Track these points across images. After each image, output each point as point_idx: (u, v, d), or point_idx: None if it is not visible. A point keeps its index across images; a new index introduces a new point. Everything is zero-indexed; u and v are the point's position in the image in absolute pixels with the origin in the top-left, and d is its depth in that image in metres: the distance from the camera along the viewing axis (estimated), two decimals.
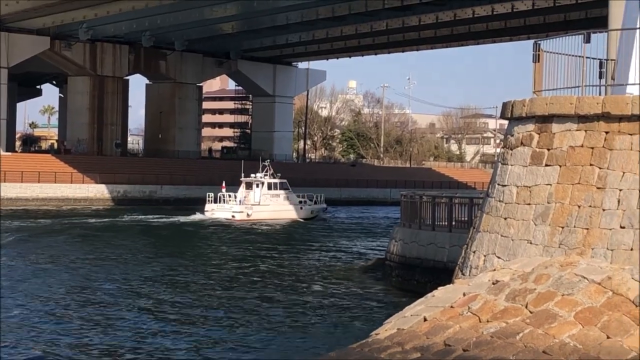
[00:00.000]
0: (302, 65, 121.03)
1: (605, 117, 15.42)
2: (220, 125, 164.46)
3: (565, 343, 12.35)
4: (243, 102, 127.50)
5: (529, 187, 16.30)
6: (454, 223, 30.36)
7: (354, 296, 30.17)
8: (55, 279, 33.17)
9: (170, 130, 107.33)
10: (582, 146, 15.68)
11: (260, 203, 69.71)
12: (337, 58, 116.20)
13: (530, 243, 15.84)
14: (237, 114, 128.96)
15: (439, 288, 15.58)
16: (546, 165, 16.14)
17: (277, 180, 71.83)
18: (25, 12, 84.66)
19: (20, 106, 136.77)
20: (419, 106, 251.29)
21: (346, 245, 50.52)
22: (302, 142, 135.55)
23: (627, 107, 15.18)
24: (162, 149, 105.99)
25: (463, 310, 13.90)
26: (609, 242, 14.80)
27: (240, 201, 69.29)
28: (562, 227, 15.44)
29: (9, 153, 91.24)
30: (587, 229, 15.10)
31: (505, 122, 18.31)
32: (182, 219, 66.93)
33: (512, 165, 16.86)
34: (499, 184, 17.12)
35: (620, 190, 15.01)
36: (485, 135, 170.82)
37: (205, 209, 68.98)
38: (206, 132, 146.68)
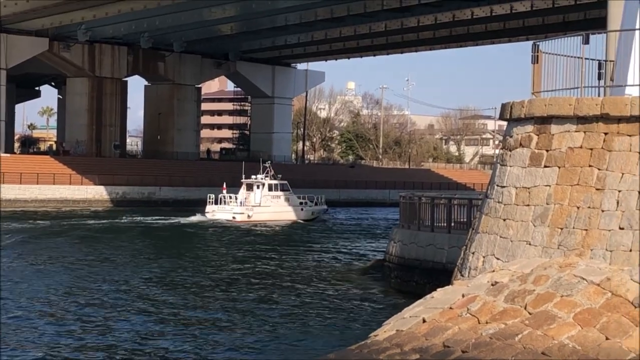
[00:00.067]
0: (301, 66, 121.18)
1: (604, 118, 15.43)
2: (219, 126, 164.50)
3: (564, 344, 12.35)
4: (242, 103, 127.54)
5: (528, 188, 16.30)
6: (453, 224, 30.35)
7: (353, 297, 30.16)
8: (55, 280, 33.15)
9: (169, 132, 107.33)
10: (581, 147, 15.68)
11: (261, 204, 69.73)
12: (336, 59, 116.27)
13: (529, 244, 15.84)
14: (236, 115, 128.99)
15: (438, 289, 15.59)
16: (545, 166, 16.14)
17: (277, 182, 71.86)
18: (24, 14, 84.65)
19: (19, 107, 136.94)
20: (418, 107, 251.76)
21: (345, 247, 50.52)
22: (301, 144, 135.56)
23: (626, 108, 15.18)
24: (160, 150, 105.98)
25: (462, 311, 13.90)
26: (608, 243, 14.80)
27: (241, 202, 69.31)
28: (561, 228, 15.44)
29: (8, 154, 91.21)
30: (586, 230, 15.10)
31: (504, 123, 18.31)
32: (183, 220, 66.94)
33: (511, 166, 16.86)
34: (497, 185, 17.12)
35: (619, 191, 15.01)
36: (484, 136, 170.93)
37: (206, 210, 68.98)
38: (205, 133, 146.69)
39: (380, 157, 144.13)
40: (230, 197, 69.54)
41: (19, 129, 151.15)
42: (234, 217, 67.53)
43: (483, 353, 12.44)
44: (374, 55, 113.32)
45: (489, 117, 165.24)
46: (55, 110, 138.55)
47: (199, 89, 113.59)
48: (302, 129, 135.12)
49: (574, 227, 15.28)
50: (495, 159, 19.94)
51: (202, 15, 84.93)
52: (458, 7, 79.47)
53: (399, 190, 61.87)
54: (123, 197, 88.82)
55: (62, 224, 62.06)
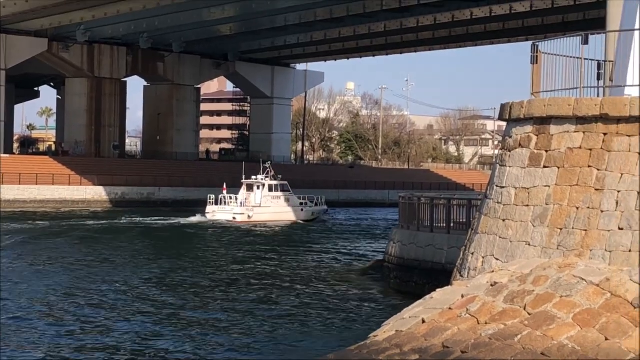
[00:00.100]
0: (300, 66, 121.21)
1: (604, 118, 15.43)
2: (219, 127, 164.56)
3: (564, 345, 12.35)
4: (241, 103, 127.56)
5: (527, 188, 16.30)
6: (452, 225, 30.35)
7: (353, 298, 30.16)
8: (54, 280, 33.14)
9: (168, 132, 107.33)
10: (580, 148, 15.68)
11: (261, 205, 69.75)
12: (335, 60, 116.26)
13: (529, 245, 15.84)
14: (235, 115, 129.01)
15: (438, 290, 15.59)
16: (544, 166, 16.14)
17: (278, 182, 71.88)
18: (23, 14, 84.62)
19: (18, 108, 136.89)
20: (417, 108, 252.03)
21: (345, 247, 50.52)
22: (300, 144, 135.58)
23: (625, 109, 15.19)
24: (160, 150, 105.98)
25: (461, 312, 13.90)
26: (608, 244, 14.80)
27: (241, 203, 69.34)
28: (561, 229, 15.44)
29: (7, 155, 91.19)
30: (586, 230, 15.10)
31: (504, 123, 18.31)
32: (183, 220, 66.97)
33: (510, 166, 16.86)
34: (497, 186, 17.12)
35: (619, 191, 15.01)
36: (483, 136, 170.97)
37: (207, 211, 69.00)
38: (204, 133, 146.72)
39: (380, 157, 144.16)
40: (231, 198, 69.57)
41: (18, 130, 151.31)
42: (234, 218, 67.55)
43: (482, 353, 12.45)
44: (374, 56, 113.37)
45: (488, 118, 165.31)
46: (55, 110, 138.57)
47: (198, 90, 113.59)
48: (301, 130, 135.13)
49: (573, 228, 15.28)
50: (494, 160, 19.95)
51: (201, 15, 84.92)
52: (457, 7, 79.47)
53: (399, 191, 61.93)
54: (122, 197, 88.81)
55: (61, 225, 62.05)
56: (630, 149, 15.11)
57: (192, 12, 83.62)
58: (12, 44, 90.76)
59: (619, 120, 15.30)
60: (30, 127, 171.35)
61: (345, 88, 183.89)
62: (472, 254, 17.12)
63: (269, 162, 74.78)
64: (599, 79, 17.24)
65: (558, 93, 16.87)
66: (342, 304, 28.89)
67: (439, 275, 26.68)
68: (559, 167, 15.89)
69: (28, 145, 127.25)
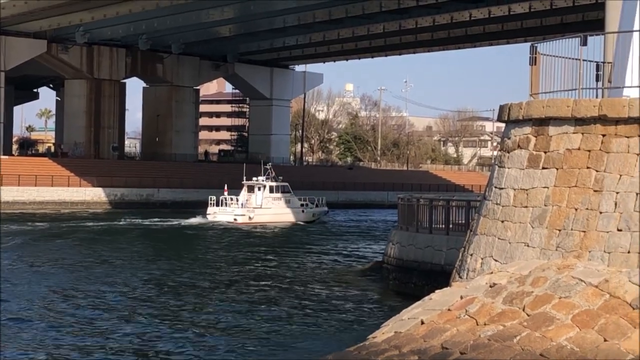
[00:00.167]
0: (299, 68, 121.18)
1: (602, 119, 15.45)
2: (218, 128, 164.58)
3: (563, 346, 12.36)
4: (240, 105, 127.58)
5: (526, 189, 16.31)
6: (451, 226, 30.36)
7: (352, 299, 30.16)
8: (54, 282, 33.13)
9: (167, 134, 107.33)
10: (579, 149, 15.70)
11: (262, 206, 69.78)
12: (334, 61, 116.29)
13: (528, 246, 15.85)
14: (234, 117, 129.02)
15: (437, 291, 15.60)
16: (543, 168, 16.16)
17: (279, 184, 71.92)
18: (22, 16, 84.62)
19: (17, 109, 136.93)
20: (416, 109, 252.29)
21: (344, 248, 50.54)
22: (299, 145, 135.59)
23: (623, 110, 15.20)
24: (159, 152, 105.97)
25: (460, 313, 13.91)
26: (606, 245, 14.82)
27: (242, 204, 69.38)
28: (559, 230, 15.46)
29: (6, 156, 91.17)
30: (584, 231, 15.11)
31: (502, 125, 18.33)
32: (183, 222, 67.03)
33: (509, 168, 16.87)
34: (496, 187, 17.13)
35: (617, 193, 15.03)
36: (482, 138, 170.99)
37: (207, 212, 69.04)
38: (203, 135, 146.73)
39: (379, 158, 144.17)
40: (232, 199, 69.62)
41: (17, 131, 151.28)
42: (235, 219, 67.59)
43: (481, 354, 12.46)
44: (372, 57, 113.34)
45: (487, 119, 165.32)
46: (54, 112, 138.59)
47: (197, 91, 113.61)
48: (300, 131, 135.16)
49: (572, 229, 15.29)
50: (493, 161, 19.96)
51: (200, 17, 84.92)
52: (456, 8, 79.49)
53: (397, 192, 61.94)
54: (121, 198, 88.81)
55: (60, 226, 62.03)
56: (629, 150, 15.12)
57: (191, 14, 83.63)
58: (11, 45, 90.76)
59: (617, 121, 15.31)
60: (30, 129, 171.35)
61: (344, 89, 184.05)
62: (471, 255, 17.14)
63: (270, 164, 74.78)
64: (597, 80, 17.26)
65: (557, 94, 16.88)
66: (341, 305, 28.89)
67: (438, 276, 26.67)
68: (557, 169, 15.91)
69: (27, 146, 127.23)
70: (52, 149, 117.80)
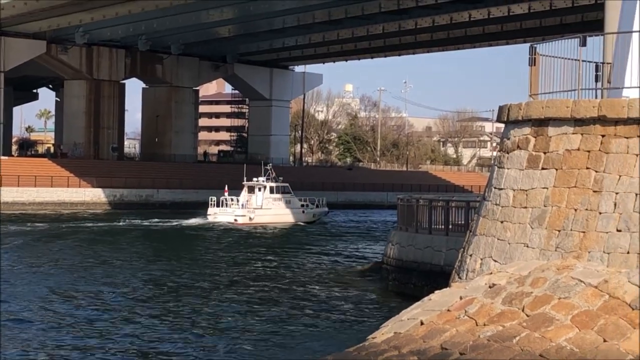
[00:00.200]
0: (299, 68, 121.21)
1: (602, 120, 15.45)
2: (217, 129, 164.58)
3: (562, 346, 12.36)
4: (240, 105, 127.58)
5: (526, 190, 16.31)
6: (450, 226, 30.36)
7: (351, 300, 30.16)
8: (53, 283, 33.13)
9: (166, 134, 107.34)
10: (578, 149, 15.70)
11: (263, 207, 69.79)
12: (334, 62, 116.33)
13: (527, 246, 15.85)
14: (234, 117, 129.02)
15: (436, 292, 15.60)
16: (542, 168, 16.16)
17: (279, 184, 71.93)
18: (21, 16, 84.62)
19: (17, 110, 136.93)
20: (416, 109, 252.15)
21: (344, 249, 50.56)
22: (298, 146, 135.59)
23: (623, 111, 15.20)
24: (158, 152, 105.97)
25: (460, 313, 13.91)
26: (606, 246, 14.82)
27: (242, 205, 69.39)
28: (559, 231, 15.46)
29: (6, 157, 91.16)
30: (584, 232, 15.11)
31: (502, 125, 18.34)
32: (184, 222, 67.05)
33: (508, 168, 16.88)
34: (495, 188, 17.13)
35: (617, 193, 15.03)
36: (481, 138, 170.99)
37: (208, 213, 69.04)
38: (203, 135, 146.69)
39: (378, 159, 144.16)
40: (232, 200, 69.63)
41: (17, 132, 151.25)
42: (235, 220, 67.60)
43: (481, 355, 12.46)
44: (372, 58, 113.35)
45: (486, 120, 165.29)
46: (53, 112, 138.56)
47: (197, 92, 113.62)
48: (299, 132, 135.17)
49: (571, 230, 15.29)
50: (492, 162, 19.96)
51: (200, 17, 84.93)
52: (455, 9, 79.51)
53: (397, 193, 61.93)
54: (121, 199, 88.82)
55: (60, 227, 62.03)
56: (628, 150, 15.13)
57: (190, 14, 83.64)
58: (11, 46, 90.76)
59: (616, 122, 15.31)
60: (29, 129, 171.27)
61: (344, 90, 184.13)
62: (471, 255, 17.14)
63: (270, 164, 74.80)
64: (596, 80, 17.26)
65: (556, 95, 16.89)
66: (340, 305, 28.89)
67: (438, 277, 26.67)
68: (557, 169, 15.91)
69: (27, 147, 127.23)
70: (52, 149, 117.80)
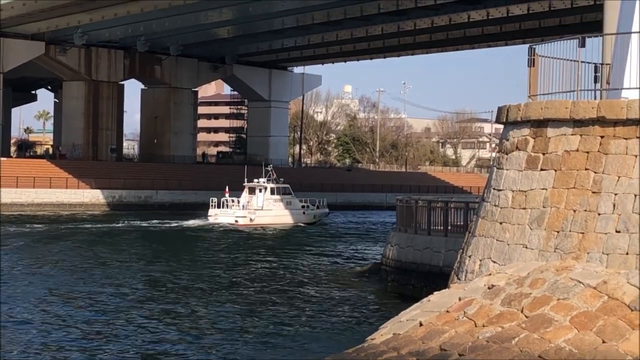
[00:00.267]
0: (298, 69, 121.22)
1: (601, 121, 15.45)
2: (216, 130, 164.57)
3: (561, 347, 12.36)
4: (238, 106, 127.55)
5: (525, 191, 16.31)
6: (449, 227, 30.36)
7: (350, 301, 30.16)
8: (53, 283, 33.12)
9: (165, 135, 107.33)
10: (577, 150, 15.70)
11: (263, 208, 69.80)
12: (333, 63, 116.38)
13: (526, 247, 15.85)
14: (233, 118, 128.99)
15: (435, 293, 15.59)
16: (541, 169, 16.15)
17: (280, 185, 71.94)
18: (20, 17, 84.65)
19: (15, 111, 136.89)
20: (415, 110, 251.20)
21: (343, 250, 50.58)
22: (297, 147, 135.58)
23: (622, 112, 15.20)
24: (157, 153, 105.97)
25: (459, 314, 13.91)
26: (605, 247, 14.82)
27: (243, 206, 69.40)
28: (558, 232, 15.45)
29: (4, 158, 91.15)
30: (583, 233, 15.11)
31: (501, 126, 18.33)
32: (184, 223, 67.08)
33: (507, 169, 16.87)
34: (494, 189, 17.13)
35: (616, 194, 15.03)
36: (480, 139, 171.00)
37: (209, 214, 69.06)
38: (201, 136, 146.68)
39: (377, 160, 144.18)
40: (233, 201, 69.64)
41: (16, 133, 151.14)
42: (236, 221, 67.59)
43: (480, 356, 12.45)
44: (371, 59, 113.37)
45: (485, 121, 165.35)
46: (52, 113, 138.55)
47: (196, 93, 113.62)
48: (298, 133, 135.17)
49: (570, 231, 15.29)
50: (491, 162, 19.95)
51: (198, 18, 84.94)
52: (454, 10, 79.55)
53: (396, 194, 62.01)
54: (119, 200, 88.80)
55: (59, 228, 62.01)
56: (627, 151, 15.13)
57: (189, 15, 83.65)
58: (10, 47, 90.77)
59: (615, 123, 15.31)
60: (28, 131, 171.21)
61: (343, 91, 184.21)
62: (470, 256, 17.14)
63: (271, 165, 74.83)
64: (596, 81, 17.26)
65: (555, 96, 16.88)
66: (339, 306, 28.90)
67: (437, 278, 26.67)
68: (556, 170, 15.91)
69: (25, 148, 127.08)
70: (50, 150, 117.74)
